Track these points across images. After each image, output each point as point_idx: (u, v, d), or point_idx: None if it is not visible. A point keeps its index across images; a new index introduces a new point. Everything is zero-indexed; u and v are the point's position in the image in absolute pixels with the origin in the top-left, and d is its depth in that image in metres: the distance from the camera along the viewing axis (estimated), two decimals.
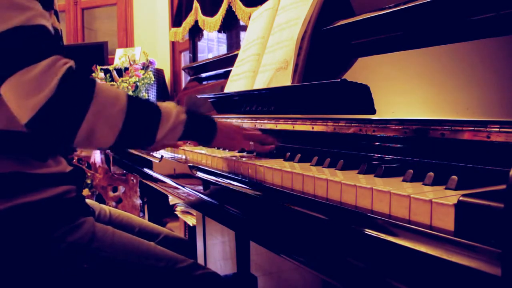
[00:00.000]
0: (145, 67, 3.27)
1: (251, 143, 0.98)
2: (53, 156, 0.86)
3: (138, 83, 3.12)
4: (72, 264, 0.81)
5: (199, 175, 1.03)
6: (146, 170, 1.45)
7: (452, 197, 0.50)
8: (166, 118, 0.82)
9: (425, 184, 0.59)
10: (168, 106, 0.84)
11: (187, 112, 0.87)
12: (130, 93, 3.05)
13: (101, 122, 0.73)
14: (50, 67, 0.69)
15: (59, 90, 0.68)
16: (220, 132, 0.93)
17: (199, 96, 1.55)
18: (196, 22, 2.28)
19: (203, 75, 2.00)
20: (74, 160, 3.06)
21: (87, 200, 1.01)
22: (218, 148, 1.21)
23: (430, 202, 0.49)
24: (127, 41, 4.21)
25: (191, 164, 1.08)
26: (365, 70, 0.94)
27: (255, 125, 1.15)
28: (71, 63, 0.73)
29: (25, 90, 0.67)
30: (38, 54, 0.69)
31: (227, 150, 1.16)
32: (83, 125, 0.71)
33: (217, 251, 1.88)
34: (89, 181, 3.06)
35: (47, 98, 0.67)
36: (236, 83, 1.33)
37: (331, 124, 0.88)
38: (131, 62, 3.25)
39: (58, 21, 0.90)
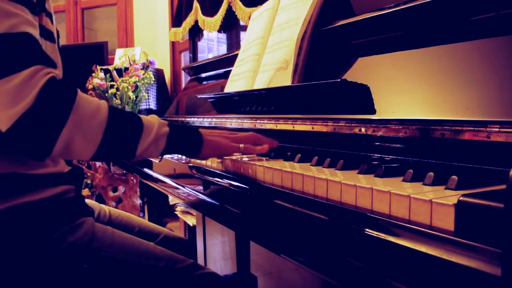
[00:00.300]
0: (145, 67, 3.27)
1: (241, 145, 0.94)
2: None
3: (138, 83, 3.12)
4: (72, 264, 0.81)
5: (199, 175, 1.03)
6: (146, 170, 1.45)
7: (452, 197, 0.50)
8: (147, 131, 0.81)
9: (425, 184, 0.59)
10: (150, 120, 0.83)
11: (170, 125, 0.86)
12: (130, 93, 3.06)
13: (79, 136, 0.73)
14: (31, 78, 0.68)
15: (37, 101, 0.68)
16: (207, 144, 0.90)
17: (199, 96, 1.55)
18: (196, 22, 2.28)
19: (203, 75, 2.00)
20: (74, 160, 3.06)
21: (87, 200, 1.01)
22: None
23: (430, 202, 0.49)
24: (127, 41, 4.21)
25: (191, 164, 1.08)
26: (365, 70, 0.94)
27: (255, 125, 1.15)
28: (54, 73, 0.72)
29: (5, 100, 0.67)
30: (20, 63, 0.69)
31: None
32: (60, 138, 0.71)
33: (217, 251, 1.88)
34: (89, 181, 3.06)
35: (24, 110, 0.67)
36: (236, 83, 1.33)
37: (331, 124, 0.88)
38: (131, 62, 3.25)
39: (52, 23, 0.89)
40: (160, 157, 0.87)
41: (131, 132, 0.80)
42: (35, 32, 0.75)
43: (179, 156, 1.25)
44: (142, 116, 0.83)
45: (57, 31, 0.94)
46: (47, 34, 0.85)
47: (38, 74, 0.69)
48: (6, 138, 0.70)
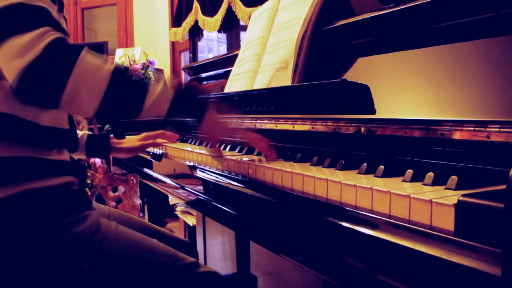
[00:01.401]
0: (145, 67, 3.26)
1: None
2: (58, 147, 0.88)
3: None
4: (76, 254, 0.82)
5: (199, 175, 1.03)
6: (146, 170, 1.45)
7: (452, 197, 0.50)
8: (152, 87, 0.84)
9: (425, 184, 0.59)
10: (156, 83, 0.87)
11: (177, 83, 0.91)
12: None
13: (83, 86, 0.74)
14: (41, 36, 0.72)
15: (44, 53, 0.71)
16: (211, 112, 0.95)
17: (199, 96, 1.55)
18: (196, 22, 2.28)
19: (203, 75, 2.00)
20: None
21: None
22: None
23: (430, 202, 0.49)
24: (127, 41, 4.21)
25: (191, 164, 1.08)
26: (365, 70, 0.94)
27: (255, 125, 1.15)
28: (63, 36, 0.75)
29: (14, 53, 0.71)
30: (32, 25, 0.73)
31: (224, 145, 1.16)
32: (67, 86, 0.72)
33: (217, 251, 1.88)
34: (89, 181, 3.05)
35: (31, 60, 0.70)
36: (236, 83, 1.32)
37: (331, 124, 0.88)
38: (131, 62, 3.24)
39: (66, 26, 0.93)
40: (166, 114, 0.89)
41: (136, 86, 0.83)
42: (53, 11, 0.78)
43: (179, 156, 1.25)
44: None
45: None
46: (63, 33, 0.88)
47: (48, 33, 0.73)
48: (16, 90, 0.73)
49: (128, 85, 0.82)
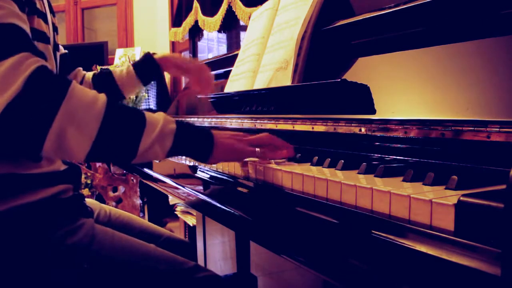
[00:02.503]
0: None
1: (257, 149, 0.86)
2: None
3: None
4: (71, 266, 0.80)
5: (199, 175, 1.03)
6: (146, 170, 1.45)
7: (452, 197, 0.50)
8: (151, 127, 0.74)
9: (425, 184, 0.59)
10: (155, 116, 0.77)
11: (178, 122, 0.79)
12: None
13: (73, 128, 0.66)
14: (18, 65, 0.64)
15: (25, 89, 0.63)
16: (219, 146, 0.82)
17: (199, 96, 1.55)
18: (196, 22, 2.28)
19: None
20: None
21: (87, 200, 1.01)
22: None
23: (430, 202, 0.49)
24: (127, 41, 4.21)
25: (191, 164, 1.08)
26: (365, 70, 0.94)
27: (255, 125, 1.15)
28: (42, 62, 0.68)
29: None
30: (6, 51, 0.65)
31: None
32: (52, 129, 0.65)
33: (217, 251, 1.88)
34: (89, 181, 3.05)
35: (11, 98, 0.62)
36: (236, 83, 1.32)
37: (331, 124, 0.88)
38: (131, 62, 3.24)
39: (47, 22, 0.87)
40: (164, 158, 0.79)
41: (132, 126, 0.73)
42: (24, 25, 0.72)
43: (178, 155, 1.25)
44: (146, 112, 0.77)
45: (55, 27, 0.91)
46: (39, 35, 0.83)
47: (26, 62, 0.65)
48: None
49: (124, 122, 0.72)
